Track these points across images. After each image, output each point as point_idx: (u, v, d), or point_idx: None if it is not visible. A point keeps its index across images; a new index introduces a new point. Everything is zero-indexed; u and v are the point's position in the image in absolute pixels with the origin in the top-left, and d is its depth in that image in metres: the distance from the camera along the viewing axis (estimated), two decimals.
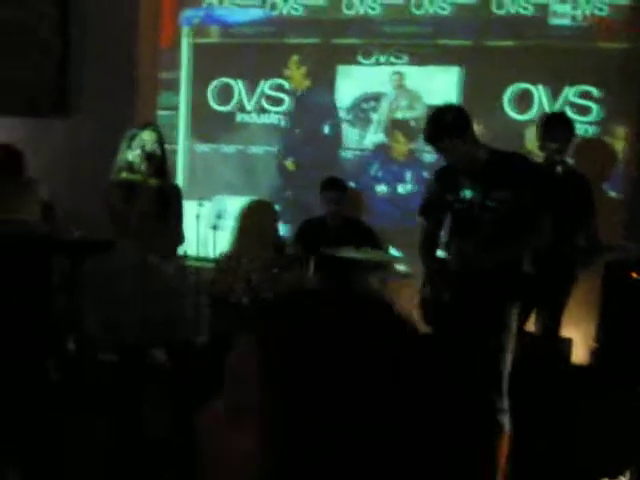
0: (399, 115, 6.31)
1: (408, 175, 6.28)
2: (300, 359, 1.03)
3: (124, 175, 4.26)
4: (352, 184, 6.17)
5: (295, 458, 1.02)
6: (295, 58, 6.49)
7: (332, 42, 6.46)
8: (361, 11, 6.36)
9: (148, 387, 4.57)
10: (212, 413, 1.12)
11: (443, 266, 4.06)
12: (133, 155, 4.23)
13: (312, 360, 1.03)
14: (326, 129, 6.53)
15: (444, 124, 3.92)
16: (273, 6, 6.55)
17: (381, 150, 6.39)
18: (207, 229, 6.02)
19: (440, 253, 4.09)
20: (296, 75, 6.49)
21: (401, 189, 6.33)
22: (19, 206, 5.78)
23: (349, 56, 6.40)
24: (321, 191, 5.71)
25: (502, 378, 3.97)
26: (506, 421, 3.99)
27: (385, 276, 5.61)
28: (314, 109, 6.54)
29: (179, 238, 4.46)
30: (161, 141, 4.33)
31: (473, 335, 3.97)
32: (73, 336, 6.54)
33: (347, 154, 6.48)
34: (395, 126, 6.35)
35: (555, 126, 5.01)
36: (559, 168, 4.81)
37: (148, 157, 4.19)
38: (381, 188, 6.39)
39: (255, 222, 5.68)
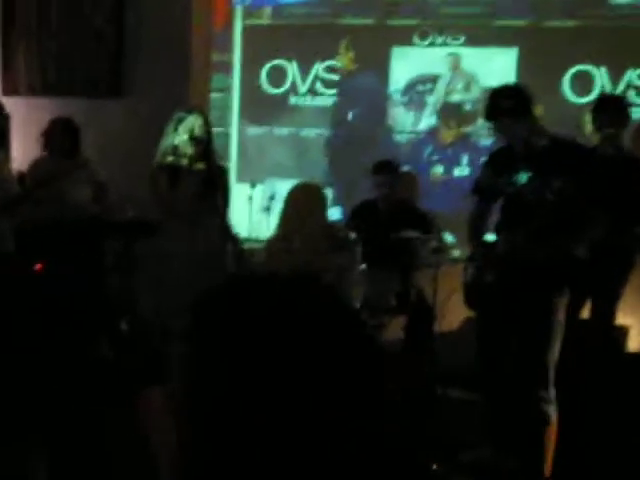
0: (454, 98, 6.20)
1: (464, 159, 6.18)
2: (224, 348, 1.02)
3: (170, 159, 4.23)
4: (406, 167, 6.09)
5: (208, 447, 0.99)
6: (345, 41, 6.40)
7: (386, 23, 6.37)
8: None
9: None
10: (149, 398, 1.12)
11: (491, 250, 3.98)
12: (179, 139, 4.20)
13: (237, 349, 1.01)
14: (379, 111, 6.43)
15: (504, 103, 3.85)
16: None
17: (433, 133, 6.30)
18: (259, 211, 6.00)
19: (489, 236, 4.02)
20: (345, 58, 6.42)
21: (457, 172, 6.24)
22: (72, 185, 5.83)
23: (404, 37, 6.30)
24: (372, 174, 5.66)
25: (547, 367, 3.88)
26: (552, 411, 3.91)
27: (438, 260, 5.54)
28: (367, 91, 6.46)
29: (225, 223, 4.42)
30: (207, 125, 4.30)
31: (517, 321, 3.90)
32: (126, 317, 6.59)
33: (401, 137, 6.40)
34: (447, 109, 6.25)
35: (610, 110, 4.88)
36: (612, 152, 4.69)
37: (196, 141, 4.16)
38: (436, 170, 6.30)
39: (304, 204, 5.62)
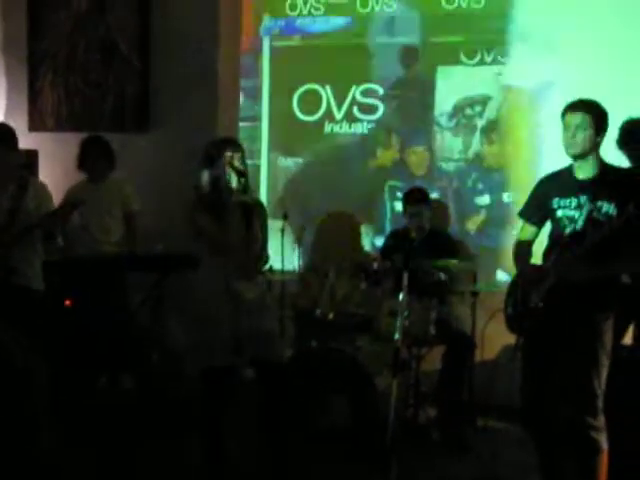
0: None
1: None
2: None
3: (209, 192, 4.15)
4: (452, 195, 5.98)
5: None
6: None
7: (430, 40, 6.26)
8: (463, 4, 6.12)
9: (236, 406, 4.52)
10: None
11: (539, 273, 3.90)
12: (218, 171, 4.13)
13: None
14: (424, 138, 6.33)
15: None
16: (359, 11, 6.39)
17: (479, 158, 6.18)
18: (292, 243, 5.94)
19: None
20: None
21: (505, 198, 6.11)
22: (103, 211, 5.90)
23: (450, 55, 6.16)
24: (403, 204, 5.61)
25: (596, 394, 3.81)
26: (603, 439, 3.82)
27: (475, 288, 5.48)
28: (410, 115, 6.33)
29: (264, 256, 4.35)
30: (244, 156, 4.23)
31: (563, 346, 3.82)
32: (157, 350, 6.54)
33: (448, 165, 6.28)
34: (493, 130, 6.10)
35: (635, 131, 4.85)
36: None
37: (238, 174, 4.08)
38: (482, 200, 6.20)
39: (338, 234, 5.59)
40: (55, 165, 6.52)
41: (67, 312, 5.38)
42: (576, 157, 3.85)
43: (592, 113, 3.82)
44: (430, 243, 5.52)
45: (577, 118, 3.81)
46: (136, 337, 6.24)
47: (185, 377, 5.29)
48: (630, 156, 4.95)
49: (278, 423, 4.28)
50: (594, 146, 3.84)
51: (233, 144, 4.23)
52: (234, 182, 4.09)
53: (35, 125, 7.05)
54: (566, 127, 3.85)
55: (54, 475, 4.19)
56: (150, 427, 5.27)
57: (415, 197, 5.58)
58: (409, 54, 6.31)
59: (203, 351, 4.19)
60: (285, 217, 5.84)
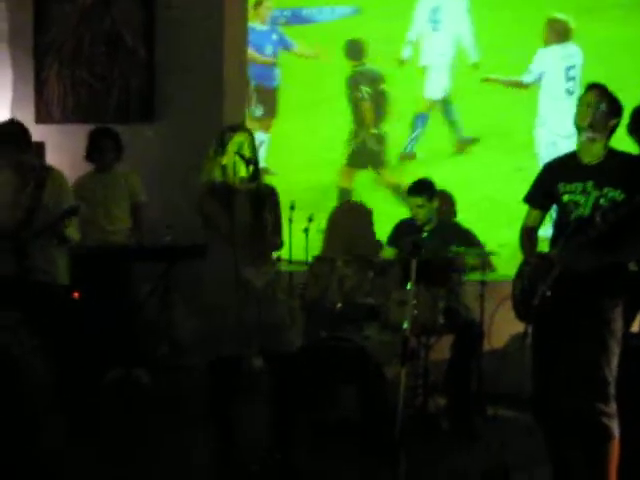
0: None
1: None
2: None
3: (219, 179, 4.13)
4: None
5: None
6: None
7: None
8: None
9: (246, 395, 4.52)
10: None
11: (545, 261, 3.89)
12: (227, 159, 4.10)
13: None
14: None
15: None
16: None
17: None
18: (300, 232, 5.93)
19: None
20: None
21: None
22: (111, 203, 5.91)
23: None
24: (407, 195, 5.60)
25: (607, 380, 3.79)
26: (614, 426, 3.80)
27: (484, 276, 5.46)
28: None
29: (277, 242, 4.33)
30: (254, 143, 4.20)
31: (573, 333, 3.80)
32: (165, 342, 6.54)
33: None
34: None
35: None
36: None
37: (247, 162, 4.06)
38: None
39: (348, 224, 5.57)
40: (62, 157, 6.50)
41: (75, 304, 5.37)
42: (585, 130, 3.83)
43: (608, 97, 3.84)
44: (440, 233, 5.52)
45: (594, 96, 3.83)
46: (143, 329, 6.26)
47: (193, 369, 5.28)
48: (639, 143, 4.92)
49: (287, 413, 4.28)
50: (604, 127, 3.82)
51: (242, 131, 4.21)
52: (243, 170, 4.08)
53: (42, 117, 7.05)
54: (581, 103, 3.87)
55: (57, 473, 4.17)
56: (160, 420, 5.28)
57: (418, 188, 5.56)
58: None
59: (211, 341, 4.18)
60: (292, 207, 5.83)
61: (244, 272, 4.08)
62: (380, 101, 6.56)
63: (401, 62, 6.46)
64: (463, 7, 6.30)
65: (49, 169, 4.97)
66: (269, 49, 6.77)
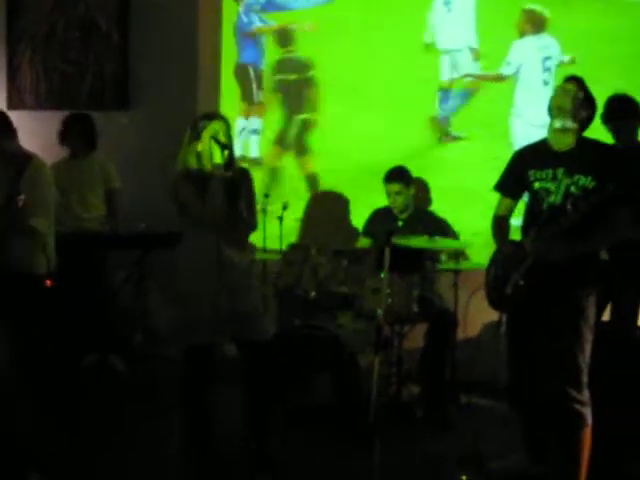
0: None
1: None
2: None
3: (194, 166, 4.12)
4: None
5: None
6: None
7: None
8: None
9: (218, 383, 4.50)
10: None
11: (518, 249, 3.91)
12: (203, 146, 4.10)
13: None
14: None
15: None
16: None
17: None
18: (273, 220, 5.92)
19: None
20: None
21: None
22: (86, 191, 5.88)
23: None
24: (384, 183, 5.59)
25: (580, 368, 3.81)
26: (588, 413, 3.84)
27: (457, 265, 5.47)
28: None
29: (251, 226, 4.32)
30: (229, 131, 4.20)
31: (546, 321, 3.83)
32: (139, 330, 6.53)
33: None
34: None
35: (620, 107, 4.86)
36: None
37: (222, 148, 4.05)
38: None
39: (324, 212, 5.56)
40: (34, 143, 6.40)
41: (48, 292, 5.33)
42: (560, 116, 3.84)
43: (584, 90, 3.86)
44: (415, 222, 5.52)
45: (572, 86, 3.85)
46: (118, 317, 6.23)
47: (169, 357, 5.27)
48: (612, 132, 4.96)
49: (261, 401, 4.28)
50: (576, 117, 3.82)
51: (217, 118, 4.20)
52: (218, 155, 4.07)
53: (14, 103, 7.01)
54: (559, 90, 3.90)
55: (30, 458, 4.15)
56: (135, 408, 5.26)
57: (392, 176, 5.56)
58: None
59: (185, 330, 4.17)
60: (266, 196, 5.82)
61: (226, 252, 4.08)
62: (307, 88, 6.60)
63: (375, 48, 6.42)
64: None
65: (31, 157, 4.91)
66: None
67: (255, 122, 6.76)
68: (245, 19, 6.76)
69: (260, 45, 6.76)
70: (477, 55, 6.16)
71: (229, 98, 6.80)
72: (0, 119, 4.90)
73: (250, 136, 6.75)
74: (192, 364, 4.19)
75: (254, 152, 6.76)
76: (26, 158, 4.83)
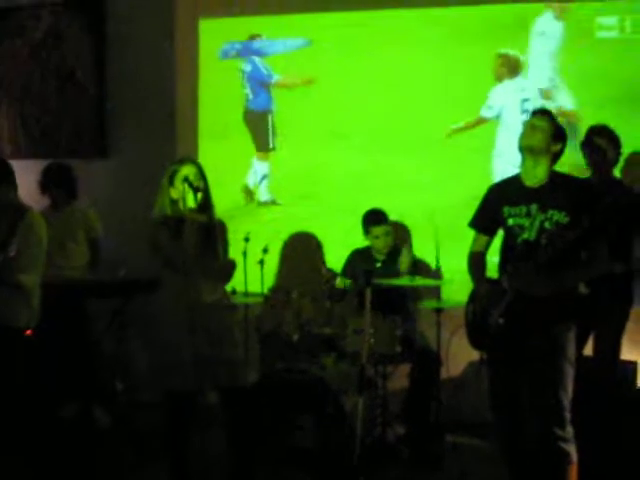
0: None
1: None
2: None
3: (169, 212, 4.15)
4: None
5: None
6: None
7: None
8: None
9: (201, 430, 4.47)
10: None
11: (496, 287, 3.90)
12: (176, 191, 4.14)
13: None
14: None
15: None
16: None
17: None
18: (254, 264, 5.91)
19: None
20: None
21: None
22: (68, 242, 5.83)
23: None
24: (367, 225, 5.58)
25: (562, 406, 3.79)
26: (573, 450, 3.81)
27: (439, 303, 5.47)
28: None
29: (228, 273, 4.33)
30: (203, 174, 4.23)
31: (527, 360, 3.81)
32: (120, 378, 6.47)
33: None
34: None
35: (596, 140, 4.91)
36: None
37: (193, 190, 4.08)
38: None
39: (300, 254, 5.57)
40: None
41: (27, 342, 5.28)
42: (528, 152, 3.85)
43: (554, 123, 3.89)
44: (393, 262, 5.52)
45: (541, 120, 3.86)
46: (100, 365, 6.18)
47: (150, 404, 5.23)
48: (587, 162, 5.00)
49: (244, 446, 4.25)
50: (547, 152, 3.84)
51: (188, 162, 4.26)
52: (191, 200, 4.10)
53: None
54: (528, 125, 3.89)
55: None
56: (118, 457, 5.21)
57: (379, 218, 5.56)
58: None
59: (166, 377, 4.16)
60: (247, 240, 5.82)
61: (201, 295, 4.09)
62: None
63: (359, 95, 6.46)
64: None
65: (25, 210, 4.87)
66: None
67: (265, 167, 6.76)
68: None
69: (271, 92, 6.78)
70: None
71: (207, 143, 6.80)
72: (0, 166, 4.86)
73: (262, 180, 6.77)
74: (174, 411, 4.17)
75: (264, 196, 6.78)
76: (21, 210, 4.81)
